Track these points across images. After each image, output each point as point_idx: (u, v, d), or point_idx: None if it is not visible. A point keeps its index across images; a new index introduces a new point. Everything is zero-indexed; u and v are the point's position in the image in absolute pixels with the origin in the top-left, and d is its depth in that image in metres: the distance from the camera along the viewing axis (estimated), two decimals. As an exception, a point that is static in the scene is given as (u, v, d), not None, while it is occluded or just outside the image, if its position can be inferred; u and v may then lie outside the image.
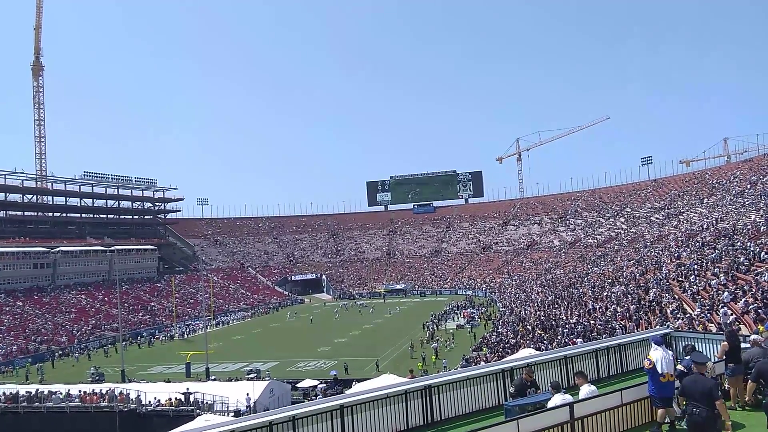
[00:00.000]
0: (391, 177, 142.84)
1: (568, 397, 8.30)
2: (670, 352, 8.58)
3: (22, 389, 34.98)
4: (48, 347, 59.14)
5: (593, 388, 8.75)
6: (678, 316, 25.04)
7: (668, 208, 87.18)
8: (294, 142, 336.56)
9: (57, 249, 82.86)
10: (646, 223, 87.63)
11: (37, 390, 34.51)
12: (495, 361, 23.01)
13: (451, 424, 10.30)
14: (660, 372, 8.03)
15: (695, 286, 29.33)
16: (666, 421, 8.16)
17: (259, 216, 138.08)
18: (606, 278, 50.72)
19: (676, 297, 30.11)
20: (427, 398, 10.69)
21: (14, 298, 70.84)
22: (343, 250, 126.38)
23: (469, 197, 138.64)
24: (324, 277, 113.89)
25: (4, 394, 33.98)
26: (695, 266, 34.19)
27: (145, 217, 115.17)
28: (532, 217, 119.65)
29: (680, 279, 33.46)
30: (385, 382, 20.20)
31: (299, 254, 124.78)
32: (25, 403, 32.82)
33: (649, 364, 8.18)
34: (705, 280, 29.86)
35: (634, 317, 30.23)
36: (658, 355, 8.14)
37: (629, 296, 36.53)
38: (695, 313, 24.69)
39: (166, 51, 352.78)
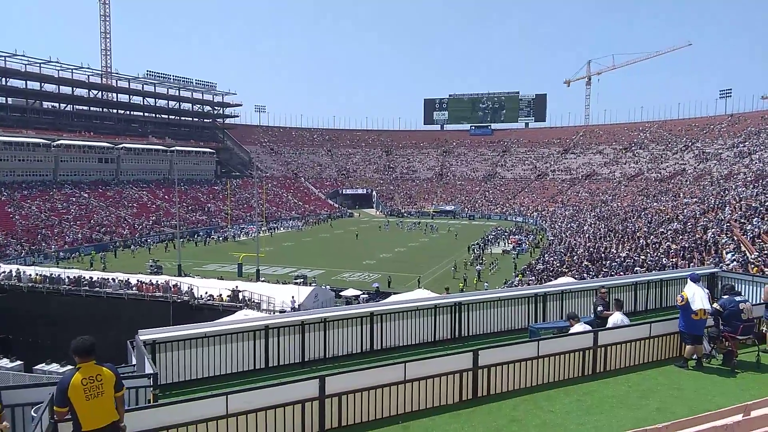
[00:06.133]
0: (449, 95, 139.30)
1: (589, 327, 8.23)
2: (706, 291, 8.28)
3: (86, 274, 37.65)
4: (111, 238, 63.01)
5: (624, 317, 8.61)
6: (734, 258, 24.11)
7: (741, 146, 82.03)
8: (352, 54, 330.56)
9: (121, 145, 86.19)
10: (716, 160, 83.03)
11: (99, 276, 37.08)
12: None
13: (478, 341, 10.48)
14: (693, 309, 7.80)
15: (757, 229, 27.98)
16: (693, 357, 8.00)
17: (314, 127, 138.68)
18: (664, 214, 49.01)
19: (735, 239, 28.91)
20: (457, 314, 10.89)
21: (80, 190, 74.77)
22: (395, 167, 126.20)
23: (529, 121, 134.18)
24: (374, 192, 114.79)
25: (69, 277, 36.71)
26: (761, 208, 32.49)
27: (205, 120, 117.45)
28: (594, 146, 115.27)
29: (742, 221, 31.96)
30: (418, 295, 20.62)
31: (351, 168, 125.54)
32: (87, 287, 35.45)
33: (682, 300, 7.97)
34: (769, 223, 28.42)
35: (687, 256, 29.33)
36: (692, 291, 7.89)
37: (686, 234, 35.33)
38: (752, 256, 23.70)
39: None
